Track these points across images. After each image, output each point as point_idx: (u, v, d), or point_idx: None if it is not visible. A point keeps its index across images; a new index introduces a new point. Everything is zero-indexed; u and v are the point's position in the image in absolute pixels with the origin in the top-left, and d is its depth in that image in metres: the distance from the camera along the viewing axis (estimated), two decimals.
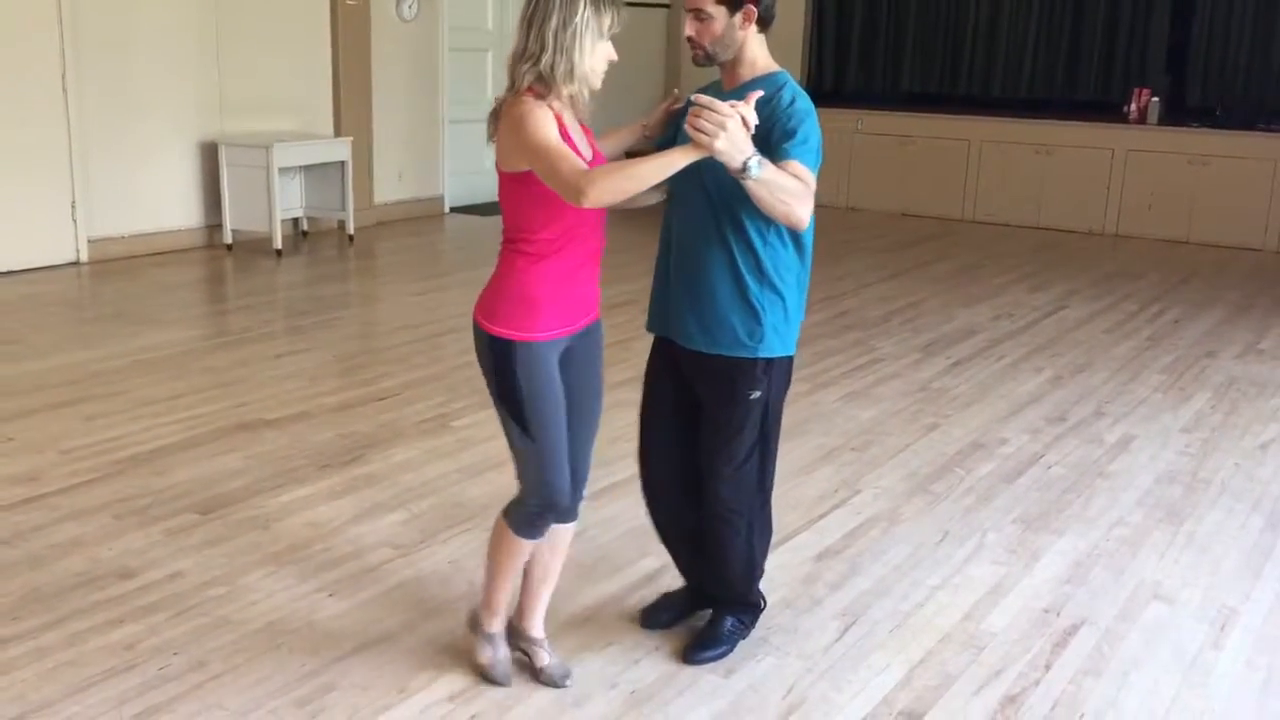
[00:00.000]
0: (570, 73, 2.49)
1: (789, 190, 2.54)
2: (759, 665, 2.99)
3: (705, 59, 2.79)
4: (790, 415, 4.90)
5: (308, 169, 8.53)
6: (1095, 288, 7.79)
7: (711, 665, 2.97)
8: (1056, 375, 5.70)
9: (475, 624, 2.90)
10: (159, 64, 7.76)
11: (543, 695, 2.82)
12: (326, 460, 4.29)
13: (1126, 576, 3.57)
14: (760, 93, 2.55)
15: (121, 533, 3.63)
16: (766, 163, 2.48)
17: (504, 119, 2.51)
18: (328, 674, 2.87)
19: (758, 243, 2.72)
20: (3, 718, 2.64)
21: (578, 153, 2.48)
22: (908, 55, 11.45)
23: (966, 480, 4.30)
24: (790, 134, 2.62)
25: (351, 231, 8.59)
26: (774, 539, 3.70)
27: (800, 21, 11.64)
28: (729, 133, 2.37)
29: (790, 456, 4.47)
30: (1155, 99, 9.78)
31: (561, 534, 2.84)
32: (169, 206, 8.00)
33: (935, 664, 3.02)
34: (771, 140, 2.59)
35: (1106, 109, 10.31)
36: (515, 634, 2.93)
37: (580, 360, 2.73)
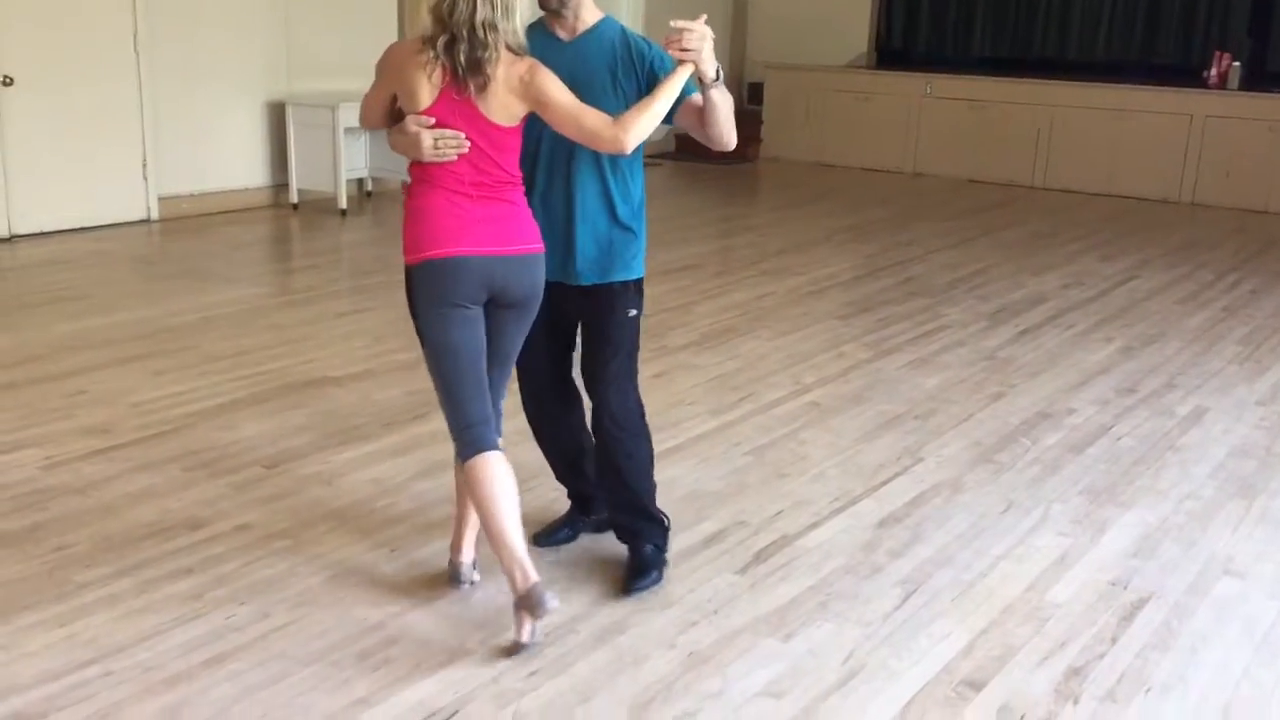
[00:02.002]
0: (515, 31, 2.71)
1: (732, 106, 2.86)
2: (818, 631, 2.97)
3: (559, 4, 2.86)
4: (852, 382, 4.91)
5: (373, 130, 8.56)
6: (1169, 257, 7.61)
7: (769, 627, 2.96)
8: (1127, 345, 5.58)
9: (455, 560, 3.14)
10: (228, 25, 7.83)
11: (602, 654, 2.83)
12: (390, 418, 4.33)
13: (1197, 550, 3.49)
14: (701, 17, 2.79)
15: (190, 485, 3.70)
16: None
17: (508, 79, 2.68)
18: (389, 628, 2.90)
19: (626, 173, 2.94)
20: (77, 661, 2.71)
21: None
22: (979, 18, 11.21)
23: (1032, 450, 4.23)
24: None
25: None
26: (836, 504, 3.72)
27: None
28: (709, 44, 2.74)
29: (852, 423, 4.43)
30: (1236, 64, 9.50)
31: (499, 460, 2.88)
32: (236, 166, 8.09)
33: (998, 634, 2.98)
34: (654, 73, 2.82)
35: (1185, 74, 10.02)
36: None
37: (519, 321, 2.90)
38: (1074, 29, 10.75)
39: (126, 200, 7.49)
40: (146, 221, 7.59)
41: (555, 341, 3.14)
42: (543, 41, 2.82)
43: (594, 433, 3.14)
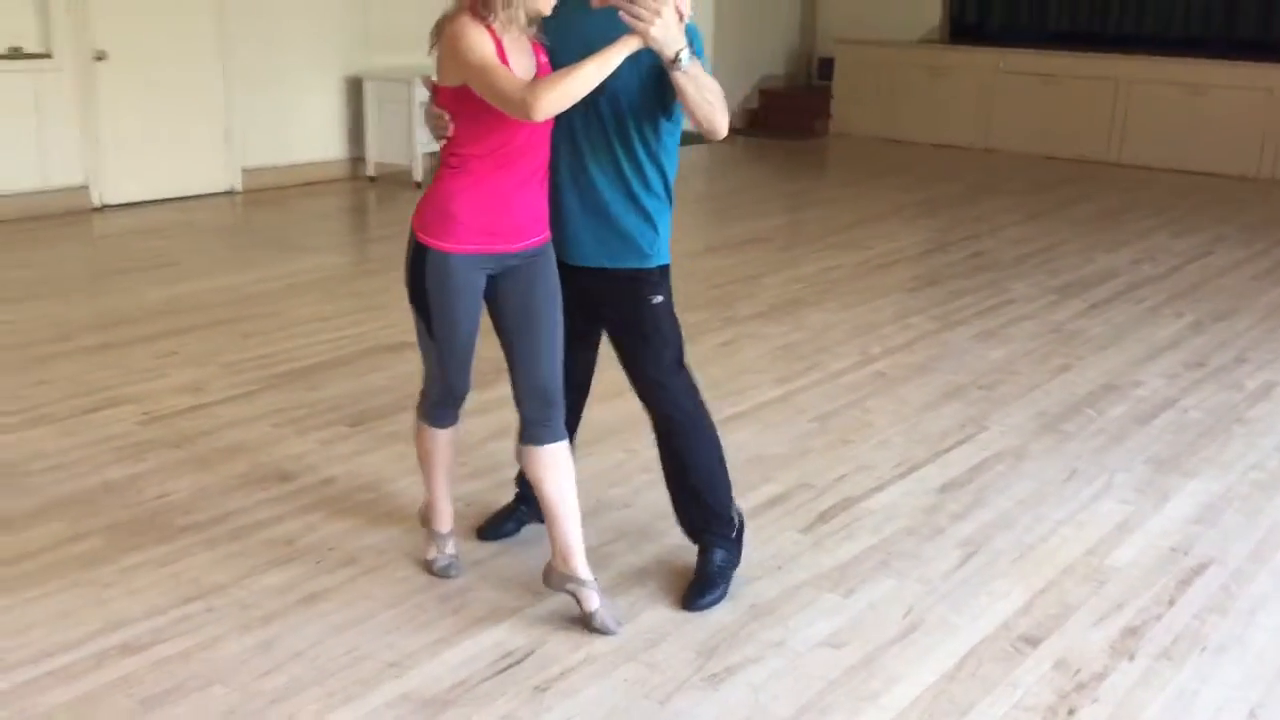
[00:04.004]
0: None
1: (715, 91, 2.60)
2: (879, 587, 3.07)
3: None
4: (916, 353, 4.96)
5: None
6: (1245, 234, 7.51)
7: (831, 583, 3.06)
8: (1197, 321, 5.56)
9: (425, 520, 3.08)
10: (309, 2, 8.03)
11: (668, 604, 2.95)
12: None
13: (1260, 519, 3.52)
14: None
15: (279, 441, 3.89)
16: (696, 59, 2.53)
17: (443, 36, 2.56)
18: (467, 576, 3.05)
19: (643, 155, 2.76)
20: (181, 597, 2.89)
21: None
22: None
23: (1097, 421, 4.27)
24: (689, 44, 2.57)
25: None
26: (897, 469, 3.80)
27: None
28: (663, 19, 2.43)
29: (917, 393, 4.50)
30: None
31: (555, 456, 2.78)
32: (316, 139, 8.31)
33: (1056, 594, 3.06)
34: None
35: (1266, 48, 9.82)
36: (557, 577, 2.85)
37: (524, 280, 2.76)
38: (1150, 3, 10.58)
39: (211, 172, 7.74)
40: (230, 193, 7.84)
41: (569, 336, 2.92)
42: (573, 4, 2.65)
43: (656, 433, 3.02)
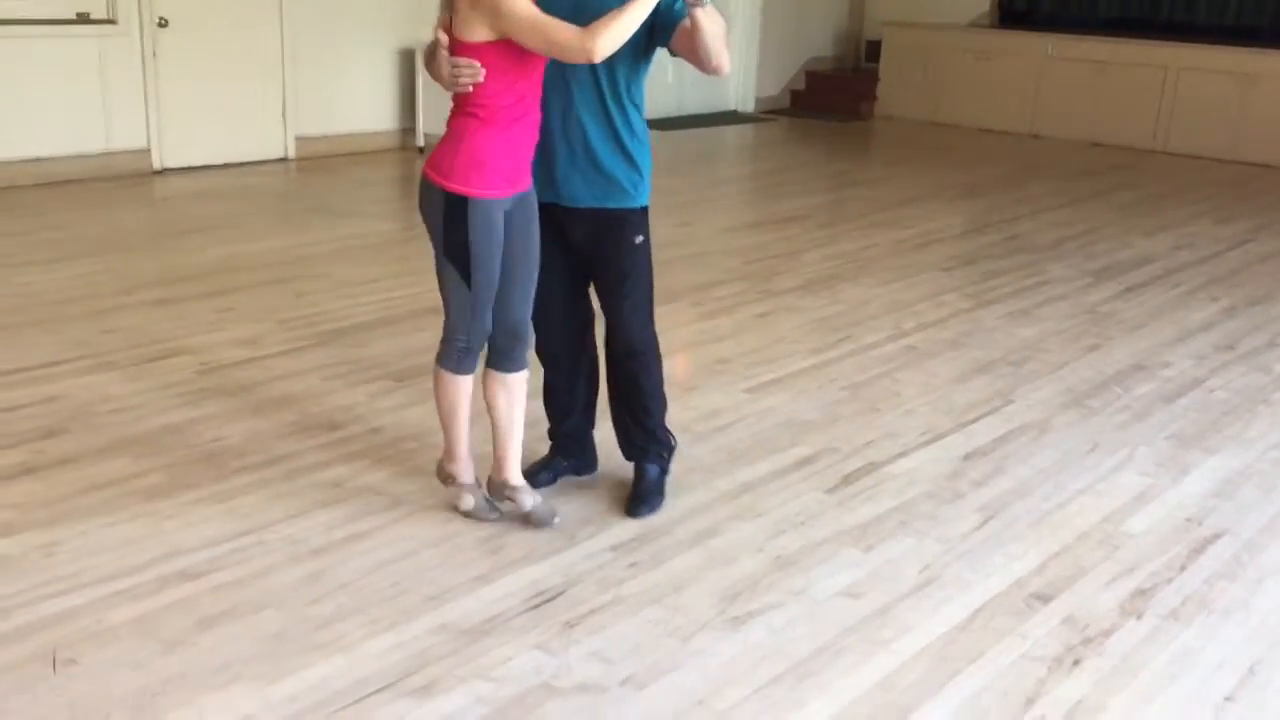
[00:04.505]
0: None
1: (724, 28, 2.89)
2: (898, 544, 3.19)
3: None
4: (948, 329, 5.06)
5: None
6: None
7: (852, 539, 3.19)
8: (1231, 305, 5.60)
9: (446, 477, 3.22)
10: None
11: (695, 553, 3.09)
12: None
13: (1276, 495, 3.60)
14: None
15: (328, 393, 4.07)
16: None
17: (476, 2, 2.70)
18: (506, 521, 3.21)
19: (628, 104, 3.03)
20: (234, 530, 3.08)
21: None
22: None
23: (1124, 398, 4.35)
24: None
25: None
26: (923, 437, 3.92)
27: None
28: None
29: (947, 367, 4.60)
30: None
31: (515, 383, 3.11)
32: (368, 109, 8.50)
33: (1070, 557, 3.16)
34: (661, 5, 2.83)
35: None
36: (497, 486, 3.21)
37: (518, 222, 2.97)
38: None
39: (266, 139, 7.96)
40: (284, 160, 8.05)
41: (566, 273, 3.20)
42: None
43: (610, 357, 3.28)
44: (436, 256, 2.98)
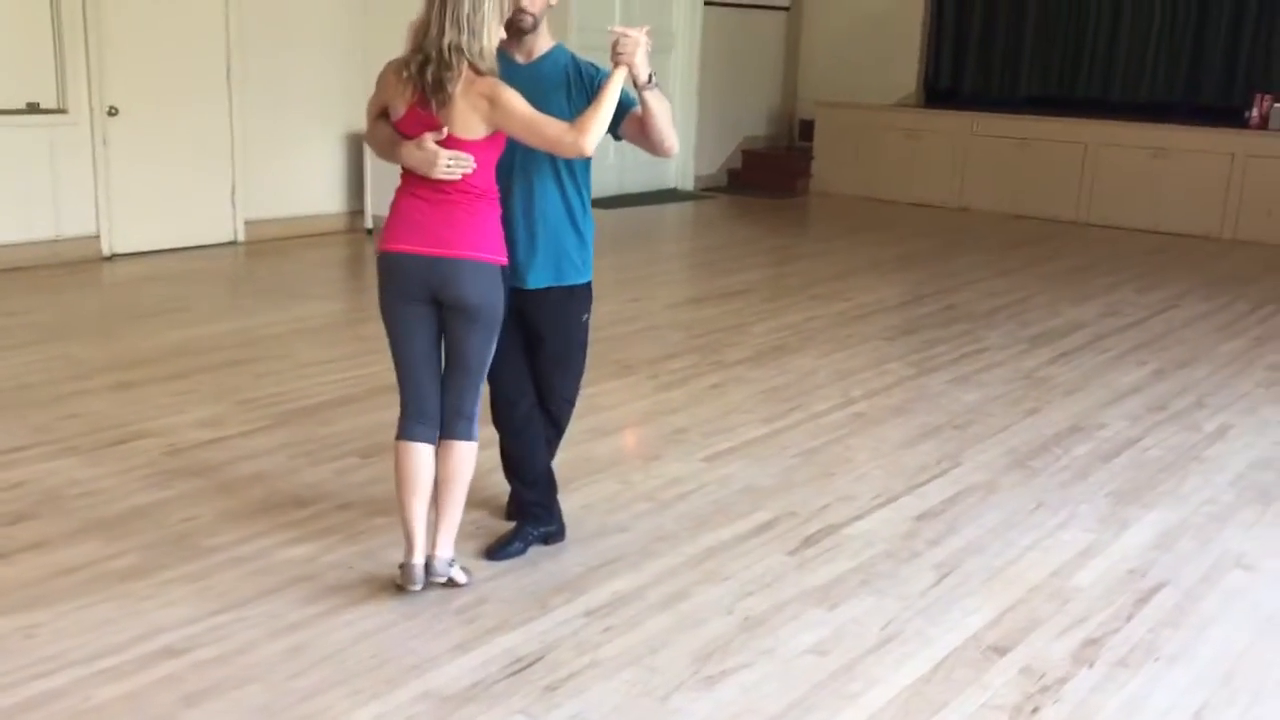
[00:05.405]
0: (482, 52, 2.95)
1: (669, 109, 3.17)
2: (860, 603, 3.32)
3: (533, 26, 3.19)
4: (894, 396, 5.26)
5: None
6: (1207, 289, 7.87)
7: (815, 599, 3.31)
8: (1160, 369, 5.87)
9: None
10: (311, 60, 8.37)
11: (667, 616, 3.19)
12: None
13: (1212, 547, 3.80)
14: (642, 28, 3.12)
15: (295, 471, 4.12)
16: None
17: (467, 96, 2.94)
18: (480, 590, 3.28)
19: (581, 178, 3.29)
20: (212, 608, 3.12)
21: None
22: (1026, 58, 11.54)
23: (1063, 459, 4.55)
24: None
25: None
26: (876, 500, 4.08)
27: (918, 23, 11.84)
28: (641, 50, 3.03)
29: (895, 432, 4.78)
30: (1278, 105, 9.75)
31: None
32: (316, 193, 8.61)
33: (1023, 610, 3.31)
34: (591, 94, 3.12)
35: (1227, 114, 10.29)
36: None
37: None
38: (1118, 70, 11.06)
39: (215, 223, 8.02)
40: (233, 243, 8.11)
41: (520, 350, 3.37)
42: (502, 63, 3.07)
43: (546, 413, 3.49)
44: (490, 338, 3.15)
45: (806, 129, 12.22)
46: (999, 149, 10.88)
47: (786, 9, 12.31)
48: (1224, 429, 4.97)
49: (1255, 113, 9.87)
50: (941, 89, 11.98)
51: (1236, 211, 9.84)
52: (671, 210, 10.88)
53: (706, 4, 11.37)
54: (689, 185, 11.65)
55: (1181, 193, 9.99)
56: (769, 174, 12.00)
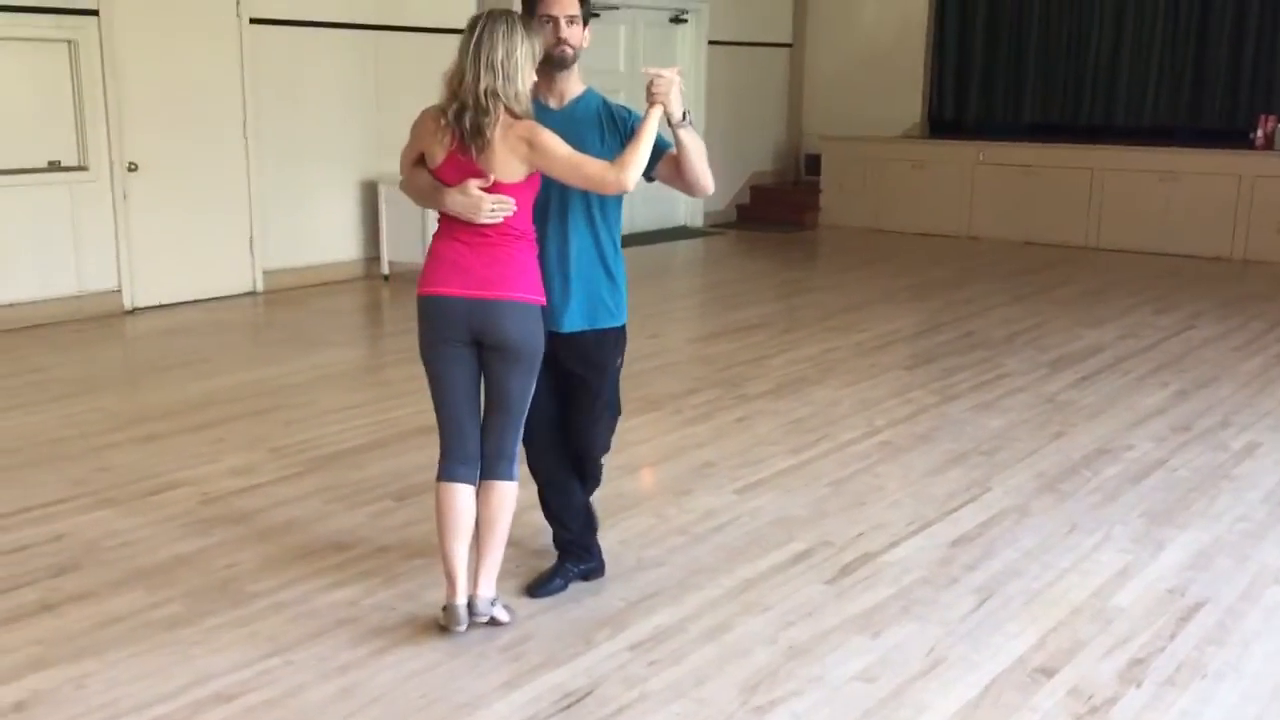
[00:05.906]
0: (517, 95, 3.00)
1: (704, 149, 3.19)
2: (902, 630, 3.33)
3: (572, 60, 3.22)
4: (919, 424, 5.28)
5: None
6: (1223, 309, 7.89)
7: (858, 627, 3.32)
8: (1182, 389, 5.89)
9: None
10: (326, 113, 8.49)
11: (711, 648, 3.20)
12: None
13: (1249, 564, 3.80)
14: (673, 68, 3.16)
15: (330, 515, 4.15)
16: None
17: (505, 139, 3.00)
18: (524, 627, 3.30)
19: (613, 220, 3.31)
20: (261, 653, 3.14)
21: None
22: (1029, 86, 11.65)
23: (1093, 481, 4.56)
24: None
25: None
26: (910, 527, 4.09)
27: (921, 54, 11.96)
28: (675, 89, 3.07)
29: (922, 460, 4.79)
30: None
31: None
32: (333, 241, 8.69)
33: (1067, 632, 3.32)
34: (625, 136, 3.17)
35: (1231, 136, 10.36)
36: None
37: None
38: (1121, 95, 11.16)
39: (235, 274, 8.10)
40: (253, 294, 8.18)
41: (552, 395, 3.37)
42: (535, 109, 3.11)
43: (582, 466, 3.51)
44: (531, 379, 3.18)
45: (812, 162, 12.31)
46: (1006, 177, 10.95)
47: (789, 45, 12.45)
48: (1252, 447, 4.98)
49: (1260, 134, 9.95)
50: (946, 119, 12.08)
51: (1246, 232, 9.88)
52: (683, 247, 10.95)
53: (711, 43, 11.51)
54: (699, 222, 11.73)
55: (1190, 215, 10.05)
56: (777, 208, 12.08)
